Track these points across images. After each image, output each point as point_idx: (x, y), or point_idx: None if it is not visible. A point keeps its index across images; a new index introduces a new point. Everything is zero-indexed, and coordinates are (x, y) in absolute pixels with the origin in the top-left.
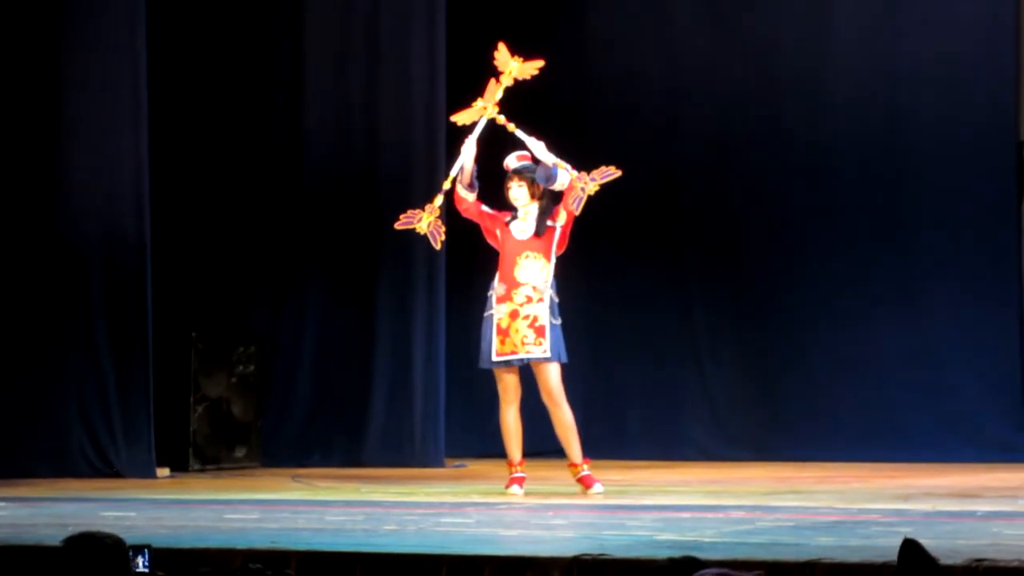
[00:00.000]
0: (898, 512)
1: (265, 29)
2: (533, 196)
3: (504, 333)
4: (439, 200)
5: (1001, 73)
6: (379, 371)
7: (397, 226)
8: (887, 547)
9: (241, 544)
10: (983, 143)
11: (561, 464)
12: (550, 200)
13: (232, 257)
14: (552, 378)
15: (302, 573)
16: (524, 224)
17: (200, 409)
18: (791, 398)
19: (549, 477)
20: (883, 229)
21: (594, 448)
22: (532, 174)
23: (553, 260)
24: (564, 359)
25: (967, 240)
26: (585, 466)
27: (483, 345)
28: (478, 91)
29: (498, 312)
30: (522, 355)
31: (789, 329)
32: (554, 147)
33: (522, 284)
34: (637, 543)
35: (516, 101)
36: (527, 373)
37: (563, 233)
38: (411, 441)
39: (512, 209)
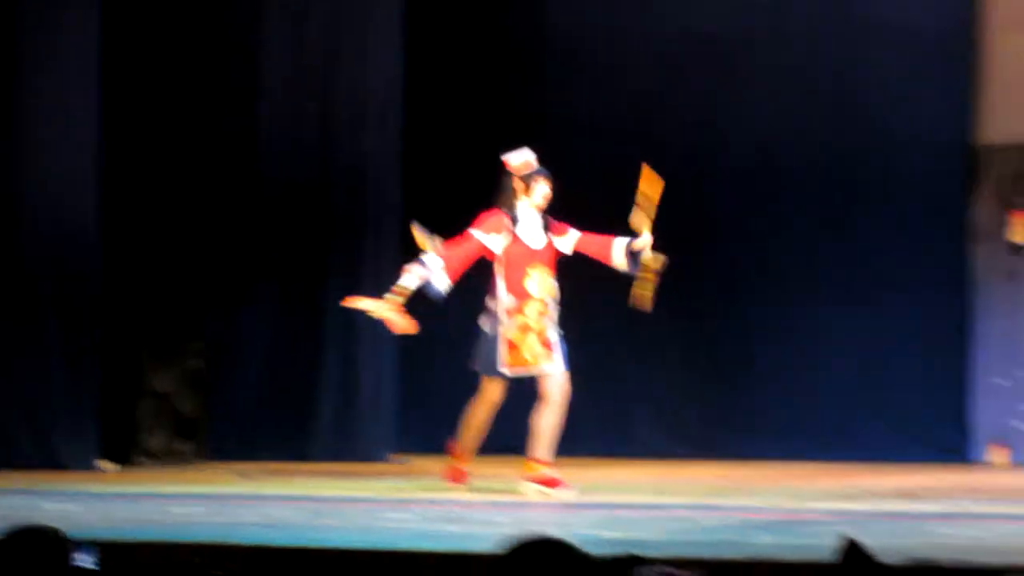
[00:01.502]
0: (840, 511)
1: (222, 35)
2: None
3: (514, 347)
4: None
5: (953, 77)
6: (326, 367)
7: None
8: (826, 546)
9: (185, 538)
10: (933, 147)
11: (508, 462)
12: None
13: (184, 254)
14: (561, 387)
15: (247, 567)
16: (534, 232)
17: (147, 403)
18: (737, 397)
19: (496, 474)
20: (831, 230)
21: None
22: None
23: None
24: (567, 368)
25: (914, 242)
26: (545, 468)
27: (485, 351)
28: (434, 99)
29: (509, 327)
30: (532, 371)
31: (735, 328)
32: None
33: (533, 298)
34: (581, 540)
35: (477, 106)
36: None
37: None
38: (357, 437)
39: (508, 208)
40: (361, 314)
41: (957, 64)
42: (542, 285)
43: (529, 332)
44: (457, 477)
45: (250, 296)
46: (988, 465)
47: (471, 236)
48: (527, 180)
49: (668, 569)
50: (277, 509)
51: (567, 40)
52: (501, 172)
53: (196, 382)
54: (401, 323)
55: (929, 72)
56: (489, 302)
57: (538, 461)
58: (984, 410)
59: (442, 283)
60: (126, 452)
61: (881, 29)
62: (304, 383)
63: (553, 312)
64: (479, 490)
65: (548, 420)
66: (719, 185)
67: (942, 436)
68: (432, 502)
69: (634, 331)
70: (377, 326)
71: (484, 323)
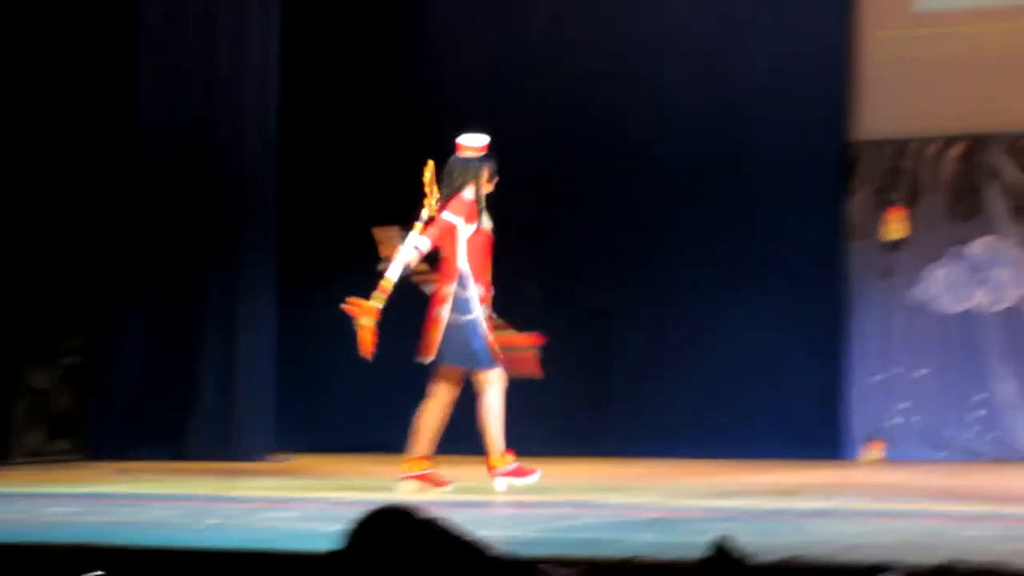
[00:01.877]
0: (717, 509)
1: (98, 25)
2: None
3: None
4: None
5: (830, 76)
6: (206, 365)
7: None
8: (704, 544)
9: (62, 538)
10: (809, 144)
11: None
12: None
13: (62, 251)
14: (439, 378)
15: (124, 568)
16: (487, 219)
17: (24, 401)
18: (617, 395)
19: (374, 472)
20: (711, 230)
21: None
22: (450, 165)
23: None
24: (451, 361)
25: (793, 241)
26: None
27: (476, 345)
28: (314, 91)
29: (481, 314)
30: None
31: (615, 326)
32: (395, 145)
33: (490, 287)
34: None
35: (354, 103)
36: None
37: None
38: (237, 435)
39: (474, 194)
40: (243, 311)
41: (832, 60)
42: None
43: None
44: (520, 472)
45: (128, 292)
46: (864, 462)
47: (445, 221)
48: (487, 164)
49: (547, 567)
50: (155, 508)
51: (450, 36)
52: (460, 156)
53: (73, 379)
54: (369, 345)
55: (804, 68)
56: (459, 291)
57: (502, 455)
58: (860, 407)
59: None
60: (2, 450)
61: (755, 25)
62: (183, 380)
63: (445, 297)
64: (359, 488)
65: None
66: (599, 184)
67: (820, 433)
68: (312, 501)
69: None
70: (256, 323)
71: (454, 313)
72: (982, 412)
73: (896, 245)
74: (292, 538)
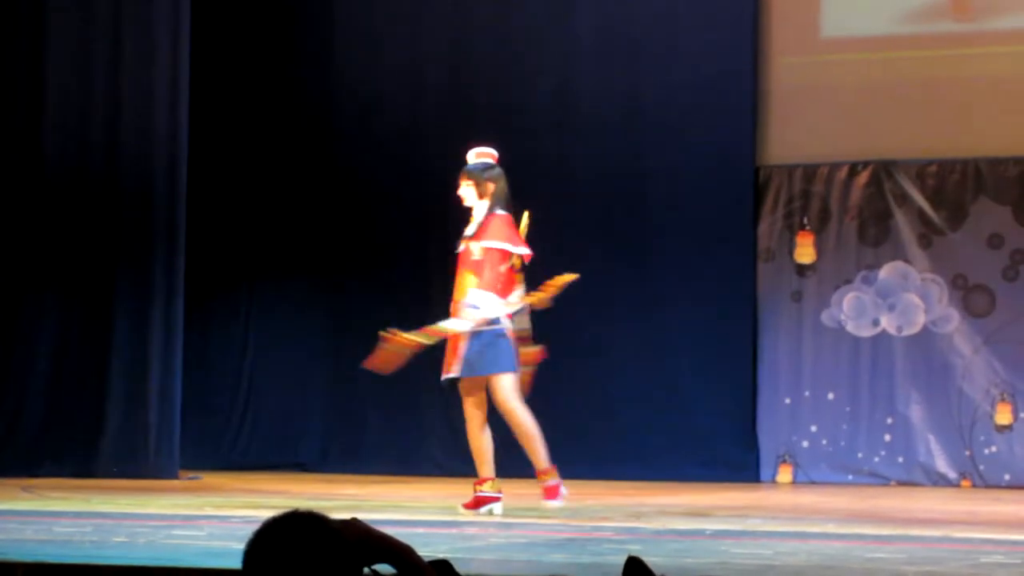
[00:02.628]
0: (630, 530)
1: (4, 41)
2: (480, 198)
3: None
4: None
5: (740, 101)
6: (114, 382)
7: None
8: (617, 564)
9: None
10: (721, 169)
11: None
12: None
13: None
14: (493, 392)
15: None
16: (469, 232)
17: None
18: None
19: (286, 491)
20: (622, 251)
21: (332, 462)
22: (479, 174)
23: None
24: (477, 372)
25: (704, 264)
26: (546, 477)
27: (504, 356)
28: (220, 99)
29: (509, 326)
30: (444, 375)
31: None
32: (297, 153)
33: (454, 301)
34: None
35: (263, 113)
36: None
37: None
38: (145, 452)
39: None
40: (152, 329)
41: (742, 86)
42: (459, 286)
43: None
44: (551, 493)
45: (34, 312)
46: (775, 484)
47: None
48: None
49: None
50: (62, 526)
51: (355, 54)
52: (488, 167)
53: None
54: (382, 363)
55: (715, 93)
56: (490, 302)
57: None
58: (770, 430)
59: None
60: None
61: (665, 50)
62: (92, 397)
63: (464, 313)
64: (266, 507)
65: (513, 425)
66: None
67: (732, 455)
68: (221, 519)
69: (428, 349)
70: (164, 340)
71: (481, 325)
72: (890, 436)
73: (806, 269)
74: (200, 556)
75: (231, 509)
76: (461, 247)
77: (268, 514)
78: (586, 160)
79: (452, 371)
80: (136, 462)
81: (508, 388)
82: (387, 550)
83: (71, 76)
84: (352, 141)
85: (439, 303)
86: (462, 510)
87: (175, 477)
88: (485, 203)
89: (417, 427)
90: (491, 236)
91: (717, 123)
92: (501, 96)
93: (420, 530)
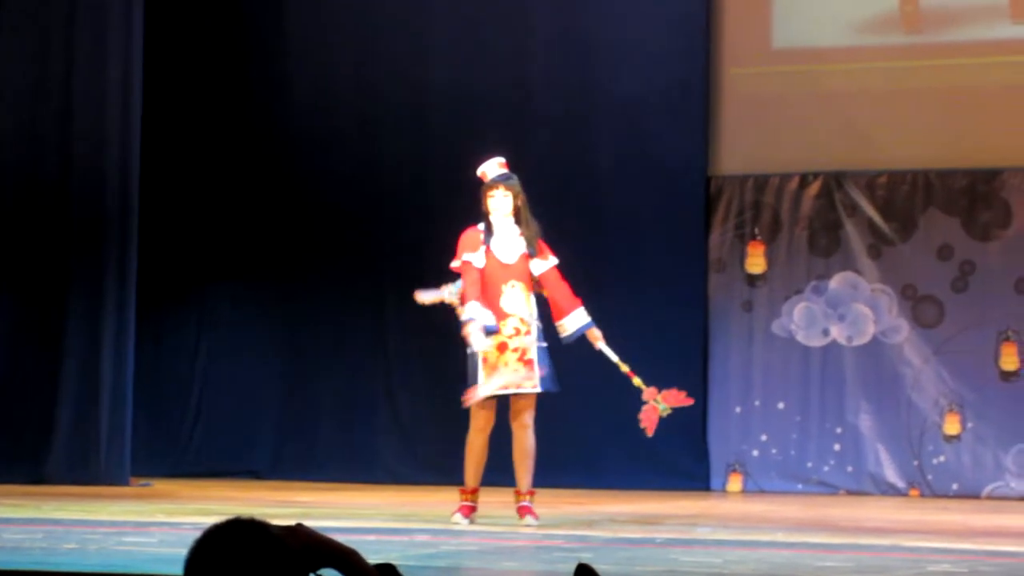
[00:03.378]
0: (581, 538)
1: None
2: (515, 211)
3: (493, 367)
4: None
5: (691, 111)
6: (65, 388)
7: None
8: (568, 572)
9: None
10: (672, 180)
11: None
12: (532, 221)
13: None
14: (532, 407)
15: None
16: (506, 244)
17: None
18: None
19: (236, 498)
20: (573, 260)
21: (285, 469)
22: (516, 184)
23: (532, 288)
24: (555, 388)
25: (655, 273)
26: (529, 497)
27: (469, 375)
28: (173, 103)
29: (487, 346)
30: (512, 390)
31: None
32: (249, 149)
33: (509, 315)
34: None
35: (216, 109)
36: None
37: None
38: (96, 459)
39: (484, 222)
40: (103, 334)
41: (692, 96)
42: (518, 301)
43: (507, 350)
44: (461, 508)
45: None
46: (725, 492)
47: (466, 265)
48: (483, 191)
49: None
50: (12, 532)
51: (307, 58)
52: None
53: None
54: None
55: (665, 104)
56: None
57: (519, 493)
58: (721, 439)
59: (491, 320)
60: None
61: (616, 59)
62: (42, 403)
63: (534, 328)
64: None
65: (523, 447)
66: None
67: (683, 464)
68: (173, 525)
69: (380, 359)
70: (115, 346)
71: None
72: (839, 446)
73: (757, 279)
74: (151, 562)
75: (182, 516)
76: (510, 258)
77: (218, 521)
78: (537, 169)
79: (527, 386)
80: (87, 468)
81: None
82: (332, 555)
83: (22, 79)
84: (304, 146)
85: (392, 310)
86: (531, 520)
87: (126, 484)
88: (510, 217)
89: (369, 434)
90: (549, 252)
91: (669, 133)
92: (454, 101)
93: (372, 537)
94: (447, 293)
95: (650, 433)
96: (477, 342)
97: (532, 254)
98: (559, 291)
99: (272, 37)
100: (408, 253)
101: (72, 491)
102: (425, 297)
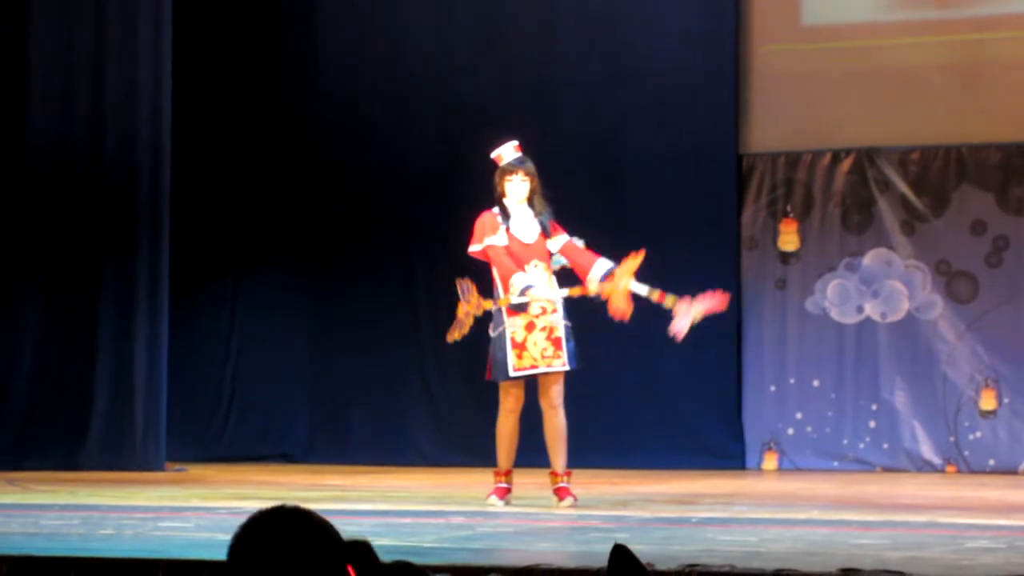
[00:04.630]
0: (617, 518)
1: None
2: (530, 195)
3: (521, 347)
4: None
5: (722, 88)
6: (100, 375)
7: (450, 336)
8: (604, 552)
9: None
10: (705, 158)
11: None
12: (544, 203)
13: None
14: (559, 385)
15: None
16: (526, 225)
17: None
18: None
19: (271, 482)
20: (605, 240)
21: (318, 453)
22: (532, 168)
23: (551, 267)
24: (578, 365)
25: (688, 252)
26: (565, 478)
27: (499, 357)
28: (203, 94)
29: (512, 326)
30: (542, 368)
31: None
32: (280, 135)
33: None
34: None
35: (244, 101)
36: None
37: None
38: (132, 445)
39: (499, 205)
40: (137, 321)
41: (724, 74)
42: (542, 280)
43: (535, 329)
44: (496, 491)
45: (19, 305)
46: (761, 471)
47: (491, 248)
48: (499, 176)
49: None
50: (49, 519)
51: (335, 45)
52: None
53: None
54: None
55: (697, 81)
56: (492, 305)
57: (555, 474)
58: (755, 417)
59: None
60: None
61: (647, 39)
62: (77, 390)
63: (560, 306)
64: (252, 498)
65: (554, 427)
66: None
67: (718, 443)
68: (208, 510)
69: (413, 341)
70: (150, 333)
71: (491, 328)
72: (874, 423)
73: (790, 257)
74: (187, 547)
75: (218, 501)
76: (530, 238)
77: (255, 505)
78: (569, 149)
79: (556, 365)
80: (122, 454)
81: None
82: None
83: (55, 73)
84: (334, 134)
85: (423, 294)
86: (570, 501)
87: (162, 469)
88: (525, 201)
89: (402, 417)
90: (562, 230)
91: (700, 112)
92: (483, 86)
93: (407, 520)
94: (466, 307)
95: (679, 338)
96: (555, 293)
97: (548, 234)
98: (581, 255)
99: (301, 27)
100: (438, 236)
101: (108, 477)
102: (457, 332)
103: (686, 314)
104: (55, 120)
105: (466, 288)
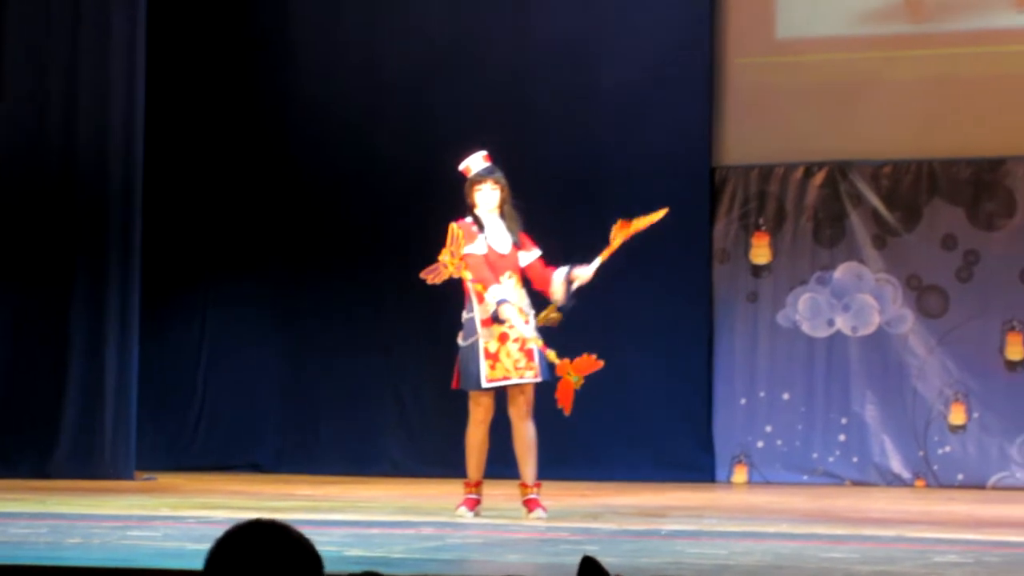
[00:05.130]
0: (586, 530)
1: None
2: (501, 204)
3: (494, 358)
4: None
5: (695, 101)
6: (70, 382)
7: (425, 276)
8: (573, 564)
9: None
10: (677, 170)
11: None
12: (514, 213)
13: None
14: (529, 396)
15: None
16: (500, 236)
17: None
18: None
19: (240, 491)
20: (577, 252)
21: (288, 462)
22: (502, 177)
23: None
24: (547, 376)
25: (660, 265)
26: (535, 489)
27: (470, 368)
28: (177, 97)
29: (485, 336)
30: (515, 379)
31: None
32: (254, 141)
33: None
34: (323, 558)
35: (218, 107)
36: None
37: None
38: (101, 453)
39: (472, 215)
40: (108, 328)
41: (697, 86)
42: (516, 291)
43: (508, 340)
44: (466, 502)
45: None
46: (730, 484)
47: (470, 256)
48: (469, 186)
49: None
50: (17, 527)
51: (309, 49)
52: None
53: None
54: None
55: (670, 94)
56: (465, 314)
57: (524, 486)
58: (726, 429)
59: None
60: None
61: (620, 50)
62: (47, 398)
63: (531, 318)
64: (221, 507)
65: (524, 438)
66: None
67: (688, 455)
68: (177, 519)
69: (383, 350)
70: (120, 341)
71: (460, 337)
72: (844, 436)
73: (762, 270)
74: (156, 557)
75: (187, 510)
76: (504, 249)
77: (224, 515)
78: (541, 160)
79: (529, 376)
80: (91, 463)
81: None
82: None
83: (27, 75)
84: (308, 143)
85: (394, 303)
86: (540, 513)
87: (131, 478)
88: (496, 211)
89: (372, 428)
90: (532, 243)
91: (673, 124)
92: (456, 97)
93: (376, 531)
94: (448, 259)
95: (567, 412)
96: (519, 323)
97: (518, 245)
98: (546, 275)
99: (276, 31)
100: (411, 246)
101: (77, 485)
102: (431, 276)
103: (567, 385)
104: (26, 120)
105: (455, 238)
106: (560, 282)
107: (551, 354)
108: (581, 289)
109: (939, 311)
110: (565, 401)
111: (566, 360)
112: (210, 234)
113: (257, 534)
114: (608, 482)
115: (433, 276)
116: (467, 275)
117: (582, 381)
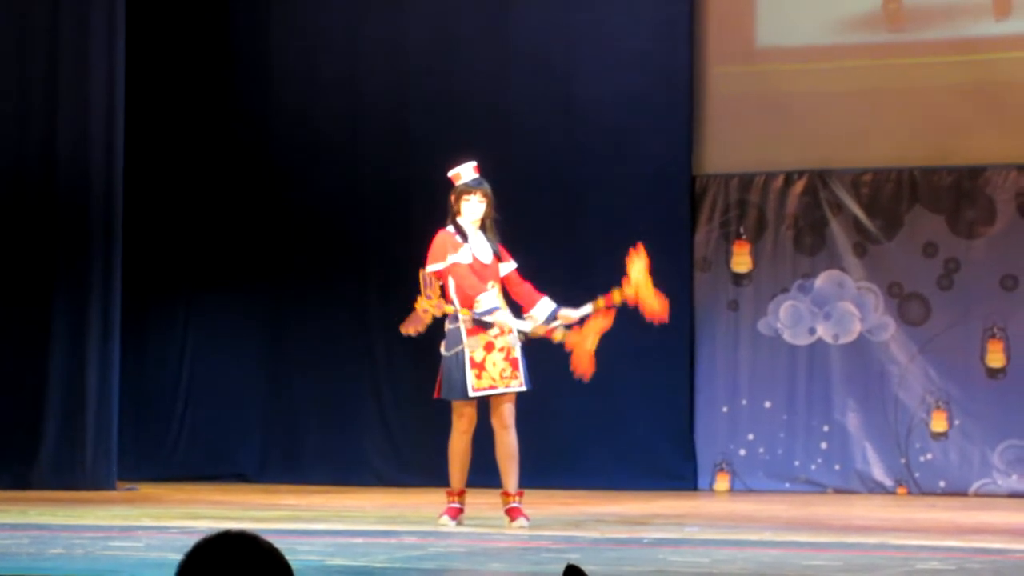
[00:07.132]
0: (569, 539)
1: None
2: (484, 217)
3: (480, 367)
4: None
5: (675, 110)
6: (51, 392)
7: (407, 330)
8: (556, 573)
9: None
10: (658, 179)
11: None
12: (494, 227)
13: None
14: (512, 405)
15: None
16: (482, 247)
17: None
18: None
19: (223, 501)
20: (559, 261)
21: (271, 472)
22: (489, 190)
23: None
24: (531, 386)
25: None
26: (517, 498)
27: (455, 376)
28: (158, 108)
29: (471, 345)
30: (501, 389)
31: None
32: (234, 152)
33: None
34: (305, 568)
35: (199, 114)
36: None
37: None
38: (83, 463)
39: (454, 224)
40: (89, 339)
41: (677, 95)
42: (500, 301)
43: (493, 350)
44: (448, 511)
45: None
46: (713, 492)
47: (455, 267)
48: (456, 195)
49: None
50: None
51: (289, 60)
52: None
53: None
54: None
55: (650, 102)
56: (448, 324)
57: (507, 494)
58: (708, 437)
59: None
60: None
61: (601, 59)
62: (28, 408)
63: (515, 328)
64: (203, 517)
65: (506, 447)
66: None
67: (670, 463)
68: (159, 529)
69: (367, 360)
70: (101, 351)
71: (443, 347)
72: (826, 444)
73: (742, 278)
74: (138, 567)
75: (169, 520)
76: (487, 259)
77: (206, 525)
78: (522, 170)
79: (515, 385)
80: (73, 473)
81: None
82: None
83: (7, 83)
84: (289, 154)
85: (376, 313)
86: (522, 522)
87: (113, 488)
88: (478, 222)
89: (355, 437)
90: (508, 255)
91: (653, 133)
92: (437, 109)
93: (359, 540)
94: (426, 303)
95: (587, 377)
96: (518, 323)
97: (499, 257)
98: (524, 289)
99: (257, 41)
100: (392, 256)
101: (58, 496)
102: (412, 328)
103: (581, 347)
104: (4, 127)
105: (428, 281)
106: (544, 315)
107: (558, 334)
108: (562, 300)
109: (920, 319)
110: (583, 368)
111: (576, 328)
112: (191, 246)
113: (227, 545)
114: (590, 490)
115: (415, 327)
116: (449, 309)
117: (597, 339)
